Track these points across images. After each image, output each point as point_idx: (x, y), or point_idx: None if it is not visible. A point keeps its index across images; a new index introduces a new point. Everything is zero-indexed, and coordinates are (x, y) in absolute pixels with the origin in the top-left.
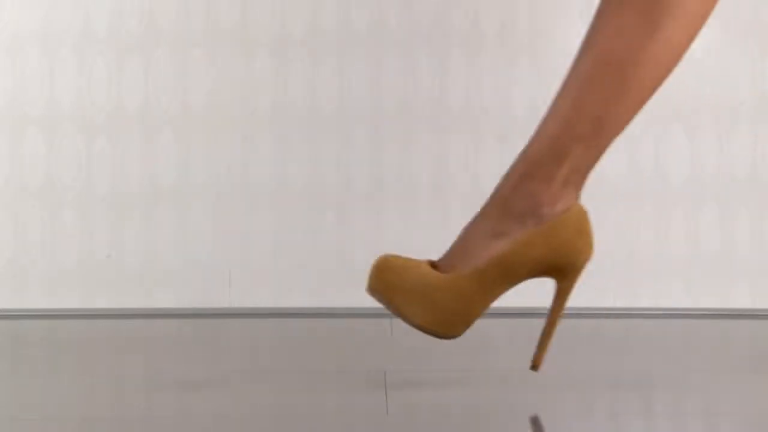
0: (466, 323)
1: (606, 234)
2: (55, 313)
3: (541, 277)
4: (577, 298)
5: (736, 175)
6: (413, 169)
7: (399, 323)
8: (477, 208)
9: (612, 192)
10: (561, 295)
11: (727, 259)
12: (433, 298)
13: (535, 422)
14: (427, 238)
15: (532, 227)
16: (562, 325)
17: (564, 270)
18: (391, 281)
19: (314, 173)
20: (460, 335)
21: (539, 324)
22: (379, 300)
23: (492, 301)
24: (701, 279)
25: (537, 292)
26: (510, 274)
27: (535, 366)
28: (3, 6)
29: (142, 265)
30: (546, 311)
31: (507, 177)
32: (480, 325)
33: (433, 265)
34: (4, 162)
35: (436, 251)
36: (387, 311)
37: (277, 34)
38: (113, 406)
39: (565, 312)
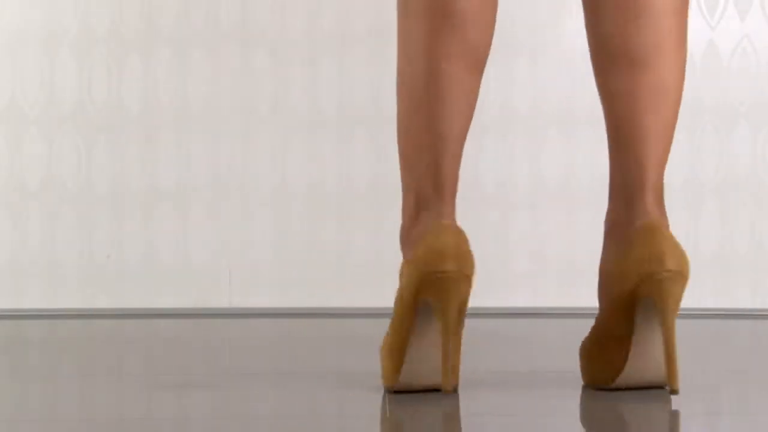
0: (396, 369)
1: None
2: (55, 313)
3: (427, 297)
4: (577, 299)
5: (736, 175)
6: None
7: None
8: (477, 208)
9: None
10: (438, 314)
11: (727, 259)
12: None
13: None
14: None
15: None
16: (563, 325)
17: (432, 288)
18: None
19: (314, 173)
20: (398, 383)
21: (538, 324)
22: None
23: (408, 336)
24: (701, 279)
25: (537, 292)
26: (406, 306)
27: (447, 389)
28: (3, 6)
29: (142, 265)
30: (543, 312)
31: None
32: (480, 325)
33: None
34: (4, 162)
35: None
36: (387, 311)
37: (277, 34)
38: (113, 406)
39: (566, 312)
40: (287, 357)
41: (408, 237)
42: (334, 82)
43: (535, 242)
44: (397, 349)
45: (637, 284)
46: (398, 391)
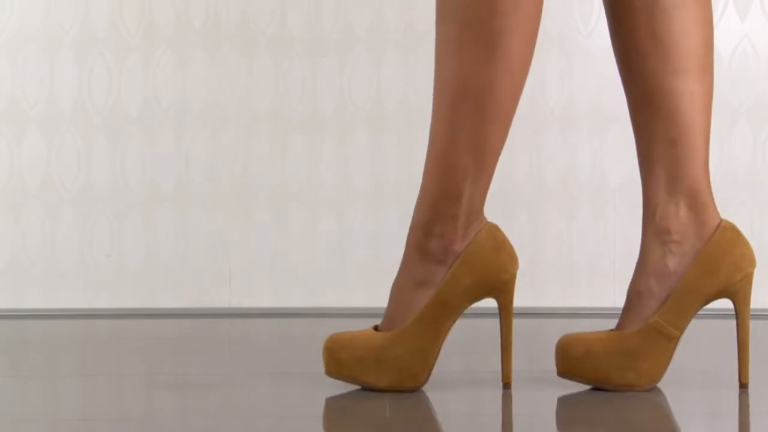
0: (428, 368)
1: (607, 235)
2: (55, 313)
3: (480, 300)
4: (577, 299)
5: (736, 175)
6: (413, 169)
7: None
8: None
9: (612, 193)
10: (504, 311)
11: None
12: (387, 358)
13: None
14: None
15: (451, 263)
16: (563, 325)
17: (496, 288)
18: (343, 358)
19: (314, 173)
20: (425, 382)
21: (539, 323)
22: (341, 379)
23: (443, 338)
24: None
25: (538, 292)
26: (448, 309)
27: (507, 384)
28: (3, 6)
29: (142, 265)
30: (543, 312)
31: (416, 226)
32: (480, 325)
33: (375, 329)
34: (4, 162)
35: None
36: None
37: (277, 34)
38: (113, 406)
39: (566, 312)
40: (287, 357)
41: (433, 234)
42: (334, 82)
43: (535, 242)
44: (429, 349)
45: (731, 283)
46: (389, 389)
